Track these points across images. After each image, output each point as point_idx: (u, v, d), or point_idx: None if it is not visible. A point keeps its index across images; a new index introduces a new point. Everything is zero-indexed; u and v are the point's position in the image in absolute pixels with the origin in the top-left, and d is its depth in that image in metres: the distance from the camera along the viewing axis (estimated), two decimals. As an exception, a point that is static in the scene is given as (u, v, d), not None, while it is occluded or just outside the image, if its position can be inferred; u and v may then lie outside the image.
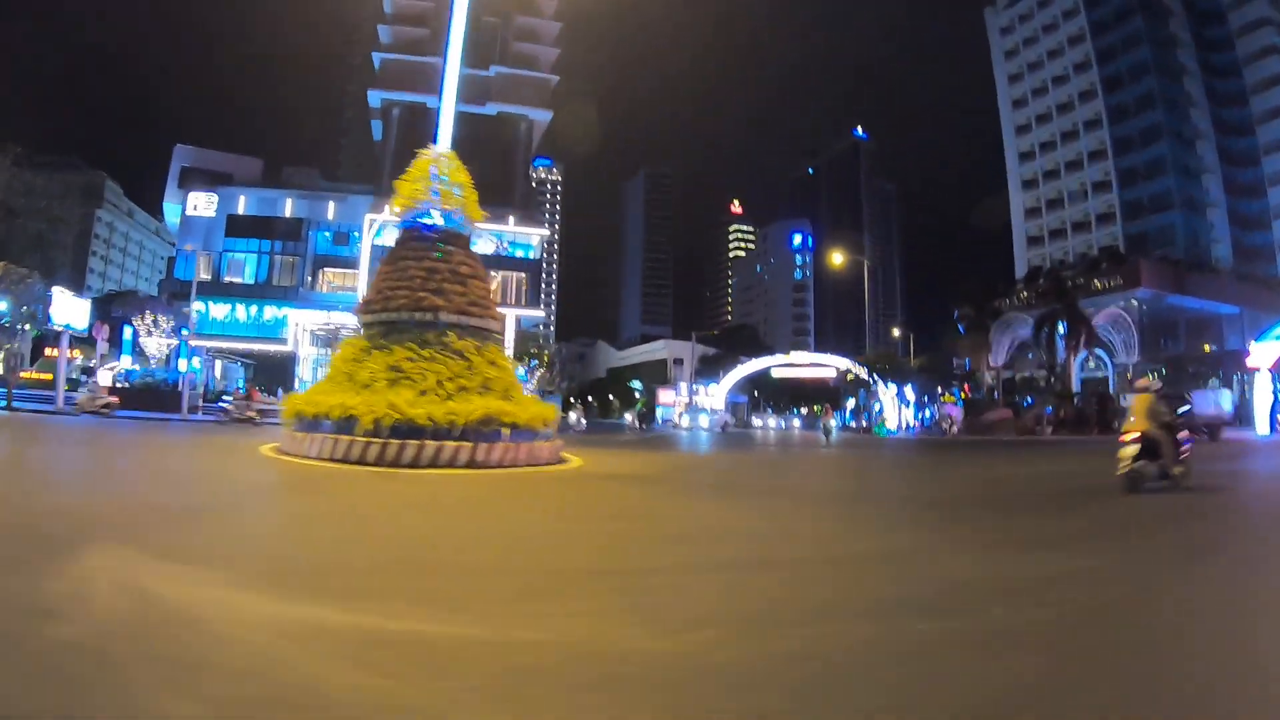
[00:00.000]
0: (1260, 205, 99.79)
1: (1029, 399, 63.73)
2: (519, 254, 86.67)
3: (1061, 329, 60.71)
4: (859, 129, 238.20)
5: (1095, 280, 77.25)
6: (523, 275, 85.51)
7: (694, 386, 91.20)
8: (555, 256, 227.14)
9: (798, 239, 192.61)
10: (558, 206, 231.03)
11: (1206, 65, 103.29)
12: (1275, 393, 53.69)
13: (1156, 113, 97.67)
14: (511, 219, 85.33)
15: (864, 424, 70.17)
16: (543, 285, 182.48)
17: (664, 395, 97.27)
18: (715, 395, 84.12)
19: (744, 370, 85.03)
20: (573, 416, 58.97)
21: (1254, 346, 54.37)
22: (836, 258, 78.85)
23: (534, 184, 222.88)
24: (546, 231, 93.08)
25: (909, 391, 69.38)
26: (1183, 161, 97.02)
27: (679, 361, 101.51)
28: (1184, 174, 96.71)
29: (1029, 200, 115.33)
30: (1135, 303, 71.43)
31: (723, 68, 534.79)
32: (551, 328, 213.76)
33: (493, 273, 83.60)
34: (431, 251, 20.48)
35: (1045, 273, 69.47)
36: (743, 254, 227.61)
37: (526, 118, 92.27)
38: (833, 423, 46.67)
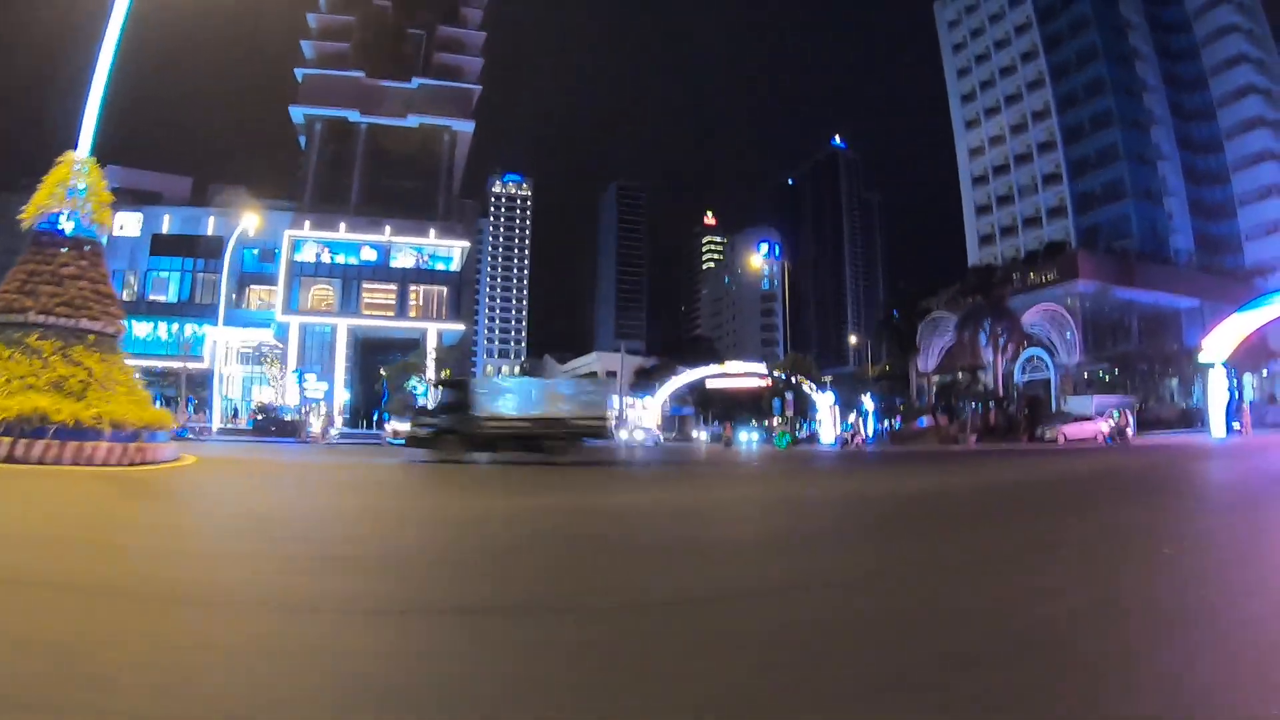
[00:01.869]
0: (1223, 193, 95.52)
1: (976, 405, 58.45)
2: (439, 267, 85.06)
3: (990, 328, 56.01)
4: (837, 139, 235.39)
5: (1032, 274, 71.94)
6: (443, 289, 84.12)
7: (623, 399, 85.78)
8: (524, 271, 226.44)
9: (765, 248, 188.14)
10: (528, 222, 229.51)
11: (1163, 49, 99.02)
12: (1231, 391, 49.79)
13: (1106, 98, 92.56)
14: (432, 231, 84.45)
15: (797, 433, 65.29)
16: (474, 298, 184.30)
17: None
18: (650, 408, 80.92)
19: (679, 381, 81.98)
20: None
21: (1206, 340, 49.86)
22: (755, 260, 74.51)
23: (503, 197, 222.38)
24: (468, 244, 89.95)
25: (868, 401, 64.62)
26: (1136, 148, 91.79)
27: (611, 374, 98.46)
28: (1138, 161, 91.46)
29: (980, 197, 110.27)
30: (1077, 298, 66.09)
31: (701, 81, 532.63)
32: (489, 341, 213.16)
33: (411, 286, 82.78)
34: (48, 254, 20.06)
35: (971, 268, 64.52)
36: (713, 265, 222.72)
37: (449, 129, 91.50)
38: (743, 435, 43.50)
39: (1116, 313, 71.06)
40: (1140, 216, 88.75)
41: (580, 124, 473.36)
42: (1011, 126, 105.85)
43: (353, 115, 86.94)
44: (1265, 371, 74.21)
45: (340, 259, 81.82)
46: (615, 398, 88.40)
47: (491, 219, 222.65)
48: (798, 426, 66.36)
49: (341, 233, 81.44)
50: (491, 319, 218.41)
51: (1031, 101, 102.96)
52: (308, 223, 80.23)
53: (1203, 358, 50.77)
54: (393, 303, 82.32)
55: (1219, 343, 50.42)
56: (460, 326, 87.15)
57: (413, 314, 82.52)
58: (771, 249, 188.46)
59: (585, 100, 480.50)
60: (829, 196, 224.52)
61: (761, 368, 79.90)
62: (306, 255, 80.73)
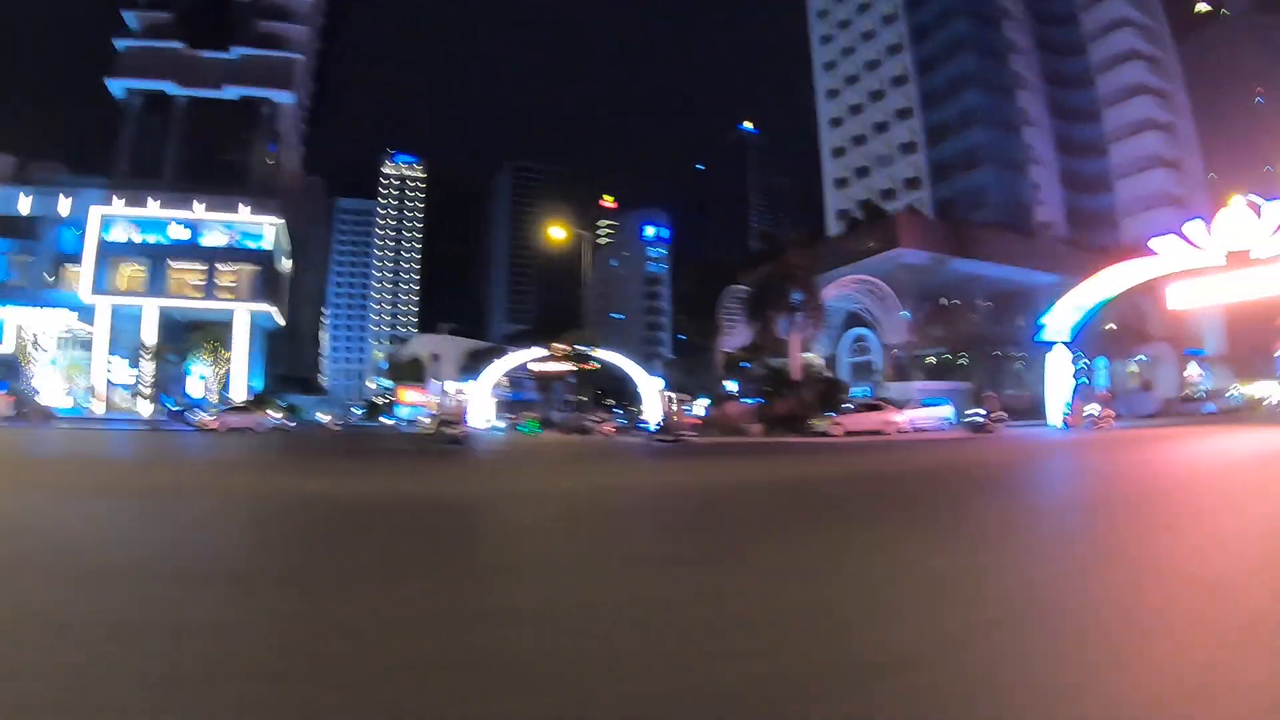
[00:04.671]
0: (1100, 164, 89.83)
1: (769, 390, 50.58)
2: (250, 245, 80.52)
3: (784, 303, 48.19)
4: (746, 124, 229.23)
5: (854, 243, 63.54)
6: (253, 268, 79.83)
7: (444, 384, 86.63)
8: (414, 253, 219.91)
9: (651, 230, 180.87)
10: (419, 204, 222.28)
11: (1036, 12, 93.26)
12: (1078, 377, 43.50)
13: (967, 59, 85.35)
14: (244, 208, 79.96)
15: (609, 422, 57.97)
16: (324, 280, 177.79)
17: (409, 394, 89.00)
18: (477, 392, 76.24)
19: (505, 365, 77.32)
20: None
21: (1048, 318, 44.12)
22: (555, 232, 67.31)
23: (394, 177, 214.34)
24: (281, 220, 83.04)
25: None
26: (998, 113, 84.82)
27: (437, 357, 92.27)
28: (1000, 127, 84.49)
29: (838, 170, 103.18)
30: (905, 269, 57.51)
31: (612, 62, 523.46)
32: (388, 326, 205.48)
33: (219, 265, 78.26)
34: None
35: (761, 233, 56.41)
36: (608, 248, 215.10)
37: (269, 101, 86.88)
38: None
39: (959, 288, 63.13)
40: (999, 185, 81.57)
41: (483, 106, 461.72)
42: (871, 93, 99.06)
43: (170, 87, 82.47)
44: (1144, 357, 68.89)
45: (151, 238, 76.96)
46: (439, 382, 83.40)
47: (381, 199, 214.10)
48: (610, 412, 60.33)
49: (152, 209, 76.99)
50: (380, 300, 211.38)
51: (891, 67, 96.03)
52: (119, 200, 75.91)
53: (1042, 337, 44.41)
54: (202, 283, 77.62)
55: (1060, 320, 44.02)
56: (268, 308, 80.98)
57: (222, 295, 78.21)
58: (659, 232, 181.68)
59: (488, 82, 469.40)
60: (735, 182, 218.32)
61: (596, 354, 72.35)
62: (118, 234, 75.87)
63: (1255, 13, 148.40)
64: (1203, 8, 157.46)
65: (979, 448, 24.38)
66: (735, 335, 53.78)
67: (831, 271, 56.62)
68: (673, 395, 34.77)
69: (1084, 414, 37.81)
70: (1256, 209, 33.98)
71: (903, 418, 40.63)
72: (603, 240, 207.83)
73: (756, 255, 50.03)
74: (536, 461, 23.47)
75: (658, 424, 44.72)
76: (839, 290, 54.34)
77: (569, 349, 66.29)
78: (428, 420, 58.67)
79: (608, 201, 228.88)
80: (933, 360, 60.52)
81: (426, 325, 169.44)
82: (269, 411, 54.34)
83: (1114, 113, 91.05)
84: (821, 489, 13.40)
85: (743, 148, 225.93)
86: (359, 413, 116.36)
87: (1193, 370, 75.74)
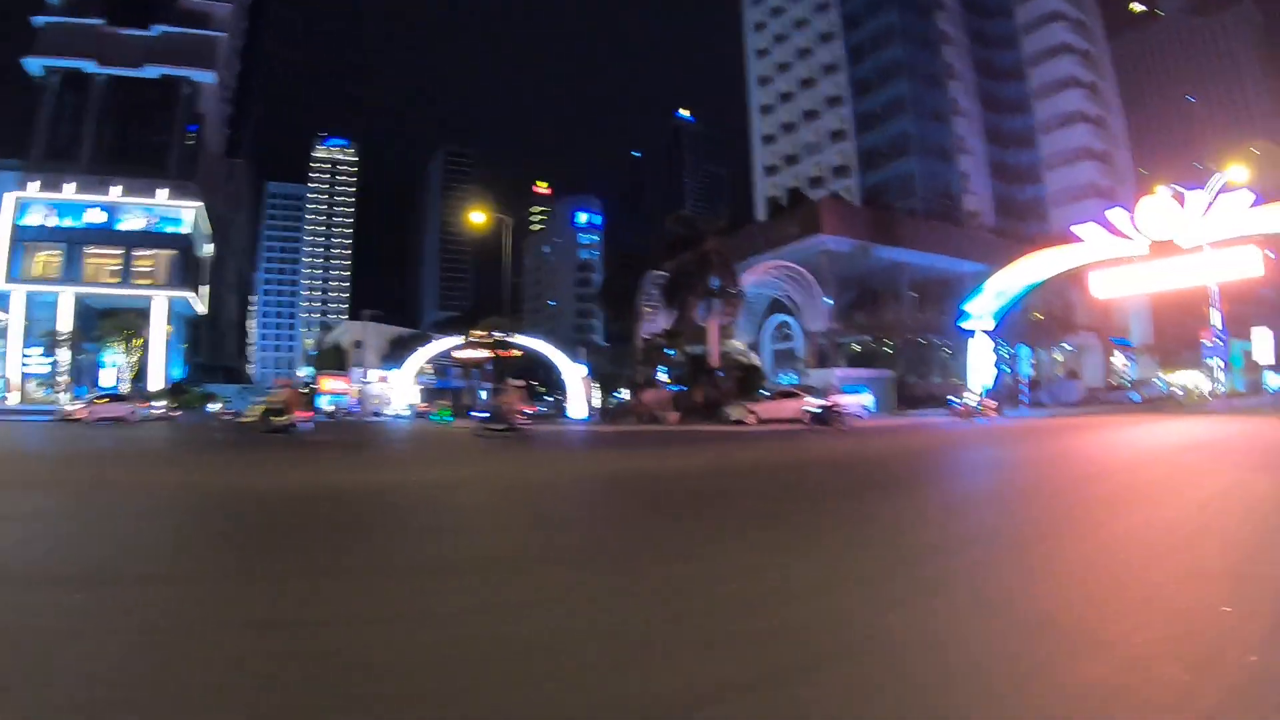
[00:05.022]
0: (1030, 156, 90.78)
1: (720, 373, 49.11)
2: (169, 229, 78.43)
3: (714, 286, 46.78)
4: (682, 111, 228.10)
5: (776, 229, 62.25)
6: (172, 253, 77.71)
7: (365, 371, 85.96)
8: (346, 238, 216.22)
9: (583, 217, 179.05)
10: (351, 188, 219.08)
11: (972, 5, 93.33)
12: (999, 365, 42.89)
13: (898, 48, 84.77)
14: (163, 191, 78.07)
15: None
16: (253, 266, 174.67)
17: (331, 381, 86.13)
18: (401, 380, 76.25)
19: (428, 353, 77.07)
20: None
21: (969, 306, 43.64)
22: (475, 216, 65.90)
23: (327, 161, 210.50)
24: (200, 204, 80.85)
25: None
26: (928, 102, 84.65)
27: (359, 344, 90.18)
28: (929, 116, 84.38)
29: (768, 157, 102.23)
30: (827, 255, 56.43)
31: (548, 47, 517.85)
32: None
33: (136, 251, 76.28)
34: None
35: (676, 216, 55.16)
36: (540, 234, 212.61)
37: (190, 80, 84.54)
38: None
39: (885, 276, 62.20)
40: (926, 174, 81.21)
41: (417, 90, 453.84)
42: (802, 81, 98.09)
43: (89, 66, 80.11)
44: (1069, 346, 68.83)
45: (67, 222, 74.88)
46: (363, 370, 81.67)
47: (312, 184, 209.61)
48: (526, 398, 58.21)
49: (69, 193, 74.81)
50: (311, 287, 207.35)
51: (823, 54, 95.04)
52: (34, 183, 74.03)
53: (964, 324, 43.78)
54: (119, 269, 75.66)
55: (983, 307, 43.34)
56: (188, 295, 79.04)
57: (139, 281, 76.22)
58: (591, 218, 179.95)
59: (423, 66, 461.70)
60: (671, 169, 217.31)
61: (521, 340, 70.64)
62: (33, 218, 73.85)
63: (1188, 14, 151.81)
64: (1137, 8, 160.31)
65: (856, 441, 22.73)
66: (655, 322, 52.34)
67: (755, 258, 55.67)
68: (513, 382, 33.25)
69: (966, 404, 36.30)
70: (1181, 199, 33.64)
71: (817, 406, 39.53)
72: (536, 227, 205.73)
73: (674, 241, 48.43)
74: (367, 452, 21.76)
75: (486, 413, 43.10)
76: (759, 276, 53.27)
77: (487, 336, 64.49)
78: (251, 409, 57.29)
79: (541, 188, 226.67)
80: (858, 348, 59.57)
81: (358, 312, 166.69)
82: (151, 402, 52.01)
83: (1045, 105, 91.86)
84: (660, 484, 11.96)
85: (679, 135, 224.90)
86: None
87: (1119, 360, 76.12)
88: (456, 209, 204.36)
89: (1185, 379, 77.59)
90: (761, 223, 66.80)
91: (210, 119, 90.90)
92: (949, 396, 39.64)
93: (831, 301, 54.43)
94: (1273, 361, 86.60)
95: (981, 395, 38.86)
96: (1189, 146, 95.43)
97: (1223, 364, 72.50)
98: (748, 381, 45.50)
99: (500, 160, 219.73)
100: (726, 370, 46.78)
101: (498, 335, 64.04)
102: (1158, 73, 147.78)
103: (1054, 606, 4.05)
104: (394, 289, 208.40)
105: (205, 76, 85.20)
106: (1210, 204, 33.08)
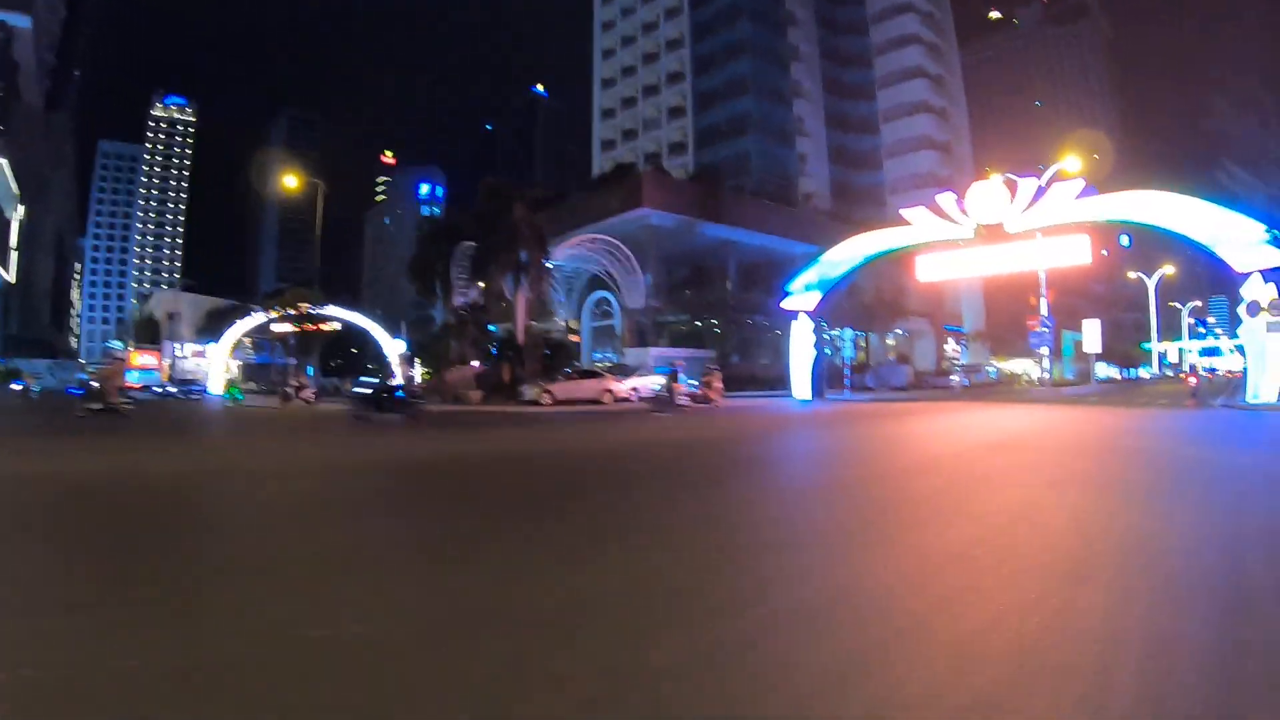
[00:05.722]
0: (872, 142, 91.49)
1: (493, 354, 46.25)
2: None
3: (523, 259, 43.97)
4: (539, 87, 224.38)
5: (599, 201, 59.75)
6: None
7: (177, 345, 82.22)
8: (180, 202, 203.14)
9: (426, 188, 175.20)
10: (189, 150, 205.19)
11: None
12: (818, 348, 41.30)
13: (743, 26, 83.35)
14: None
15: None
16: (79, 229, 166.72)
17: (142, 356, 79.44)
18: (216, 355, 71.63)
19: (245, 326, 71.01)
20: None
21: (792, 287, 41.40)
22: (289, 180, 62.22)
23: (163, 121, 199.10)
24: (3, 160, 71.90)
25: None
26: (770, 82, 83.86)
27: (173, 317, 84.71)
28: (771, 97, 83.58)
29: (607, 132, 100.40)
30: (650, 231, 54.22)
31: (403, 12, 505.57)
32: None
33: None
34: None
35: (481, 184, 52.38)
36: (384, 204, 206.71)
37: (3, 24, 76.84)
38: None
39: (713, 254, 60.42)
40: (763, 154, 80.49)
41: (263, 50, 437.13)
42: (646, 55, 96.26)
43: None
44: (901, 331, 68.59)
45: None
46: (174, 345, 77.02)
47: (149, 144, 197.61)
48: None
49: None
50: (144, 255, 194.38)
51: (668, 30, 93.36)
52: None
53: (784, 305, 42.08)
54: None
55: (804, 287, 41.56)
56: None
57: None
58: (434, 190, 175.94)
59: (270, 24, 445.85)
60: (524, 145, 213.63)
61: (346, 314, 66.53)
62: None
63: (1043, 24, 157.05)
64: (994, 15, 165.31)
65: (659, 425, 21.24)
66: (466, 296, 49.30)
67: (578, 230, 52.95)
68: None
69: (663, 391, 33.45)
70: (1012, 185, 32.68)
71: (624, 386, 37.32)
72: (380, 198, 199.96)
73: (484, 210, 45.58)
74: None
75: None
76: (576, 250, 50.75)
77: (295, 309, 60.17)
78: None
79: (388, 157, 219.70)
80: (684, 328, 57.64)
81: (174, 281, 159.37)
82: None
83: (889, 93, 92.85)
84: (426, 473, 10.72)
85: (535, 111, 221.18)
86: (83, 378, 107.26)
87: (951, 346, 76.78)
88: (299, 176, 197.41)
89: (1015, 366, 78.99)
90: (584, 195, 63.80)
91: (26, 67, 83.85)
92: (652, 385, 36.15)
93: (650, 278, 52.28)
94: (1100, 351, 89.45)
95: (702, 376, 36.52)
96: (1035, 146, 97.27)
97: (1051, 352, 74.19)
98: (555, 359, 43.10)
99: (349, 128, 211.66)
100: (533, 348, 44.19)
101: (305, 308, 59.68)
102: (1011, 77, 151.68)
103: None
104: (233, 259, 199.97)
105: (19, 20, 78.31)
106: (1041, 191, 32.16)
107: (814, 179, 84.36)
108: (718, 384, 34.42)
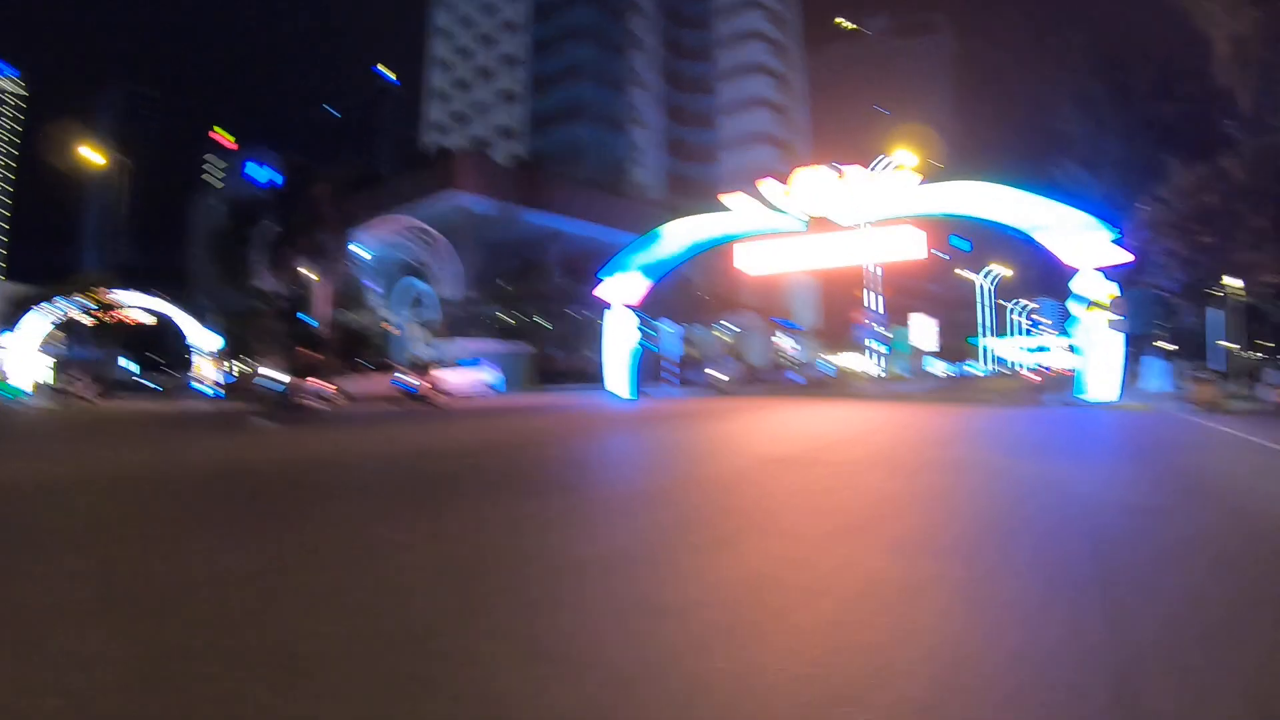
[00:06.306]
0: (709, 136, 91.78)
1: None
2: None
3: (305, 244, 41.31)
4: (383, 70, 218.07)
5: (413, 183, 57.18)
6: None
7: None
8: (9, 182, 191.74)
9: (260, 172, 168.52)
10: (16, 122, 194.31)
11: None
12: (642, 342, 39.84)
13: (583, 12, 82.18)
14: None
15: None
16: None
17: None
18: (19, 347, 61.86)
19: (49, 315, 62.11)
20: None
21: (608, 276, 39.72)
22: (95, 158, 57.95)
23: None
24: None
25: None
26: (607, 70, 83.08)
27: None
28: (607, 84, 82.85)
29: (439, 115, 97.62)
30: (467, 216, 52.02)
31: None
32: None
33: None
34: None
35: (290, 164, 49.80)
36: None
37: None
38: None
39: (536, 243, 58.31)
40: (596, 142, 79.40)
41: (99, 23, 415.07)
42: (483, 37, 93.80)
43: None
44: (731, 324, 67.84)
45: None
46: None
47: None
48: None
49: None
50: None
51: (508, 11, 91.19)
52: None
53: (598, 293, 40.61)
54: None
55: (623, 277, 39.88)
56: None
57: None
58: (268, 173, 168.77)
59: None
60: (369, 128, 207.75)
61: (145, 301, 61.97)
62: None
63: (892, 35, 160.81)
64: (846, 24, 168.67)
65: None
66: (266, 281, 46.30)
67: (393, 213, 50.35)
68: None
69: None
70: (840, 174, 31.87)
71: (423, 381, 35.12)
72: (214, 181, 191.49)
73: (286, 191, 42.95)
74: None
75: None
76: (386, 234, 48.21)
77: (91, 296, 55.73)
78: None
79: (225, 139, 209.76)
80: (508, 319, 55.46)
81: (16, 265, 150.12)
82: None
83: (730, 87, 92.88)
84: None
85: (380, 94, 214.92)
86: None
87: (785, 341, 76.79)
88: (135, 154, 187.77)
89: (849, 362, 79.61)
90: (399, 176, 60.95)
91: None
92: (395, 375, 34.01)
93: (467, 267, 50.06)
94: (935, 348, 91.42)
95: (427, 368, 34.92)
96: (879, 153, 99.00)
97: (883, 348, 75.01)
98: (360, 353, 40.68)
99: (188, 106, 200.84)
100: (333, 340, 41.56)
101: (101, 295, 55.31)
102: (858, 84, 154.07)
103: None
104: (62, 241, 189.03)
105: None
106: (870, 182, 31.79)
107: (649, 170, 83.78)
108: (448, 378, 33.06)
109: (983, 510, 7.26)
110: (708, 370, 57.45)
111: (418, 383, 31.10)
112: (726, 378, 56.52)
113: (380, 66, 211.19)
